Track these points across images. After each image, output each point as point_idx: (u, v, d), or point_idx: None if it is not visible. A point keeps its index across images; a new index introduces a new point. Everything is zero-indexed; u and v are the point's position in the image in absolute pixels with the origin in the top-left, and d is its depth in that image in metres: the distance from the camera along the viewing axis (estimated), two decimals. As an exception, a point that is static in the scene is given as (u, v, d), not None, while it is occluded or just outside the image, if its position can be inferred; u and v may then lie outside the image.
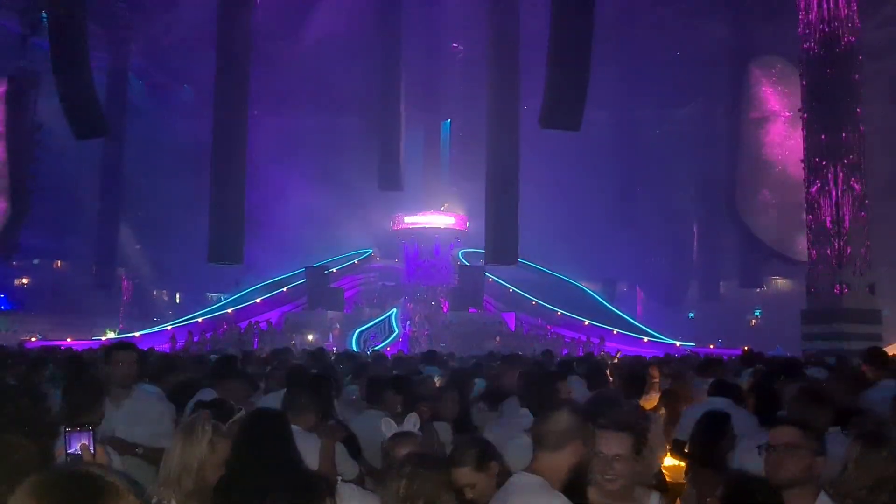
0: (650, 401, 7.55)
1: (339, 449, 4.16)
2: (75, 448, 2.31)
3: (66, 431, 2.33)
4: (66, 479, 1.40)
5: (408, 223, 40.82)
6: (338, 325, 30.68)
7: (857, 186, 20.36)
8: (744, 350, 10.94)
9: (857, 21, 20.86)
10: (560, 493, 2.63)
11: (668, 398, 7.35)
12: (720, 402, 5.58)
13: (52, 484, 1.39)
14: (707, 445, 4.53)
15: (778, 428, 3.13)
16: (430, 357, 11.70)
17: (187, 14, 30.40)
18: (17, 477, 1.93)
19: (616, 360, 10.55)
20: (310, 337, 28.51)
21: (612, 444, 2.98)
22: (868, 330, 19.23)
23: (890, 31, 25.53)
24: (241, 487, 2.98)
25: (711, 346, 28.45)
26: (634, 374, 7.42)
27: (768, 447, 3.06)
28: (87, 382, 4.47)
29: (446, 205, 41.60)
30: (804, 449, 2.96)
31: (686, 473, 5.51)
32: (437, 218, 40.94)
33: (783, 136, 27.47)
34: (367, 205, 37.03)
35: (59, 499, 1.37)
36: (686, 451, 5.67)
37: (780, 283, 39.84)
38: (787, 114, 26.77)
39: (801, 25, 21.27)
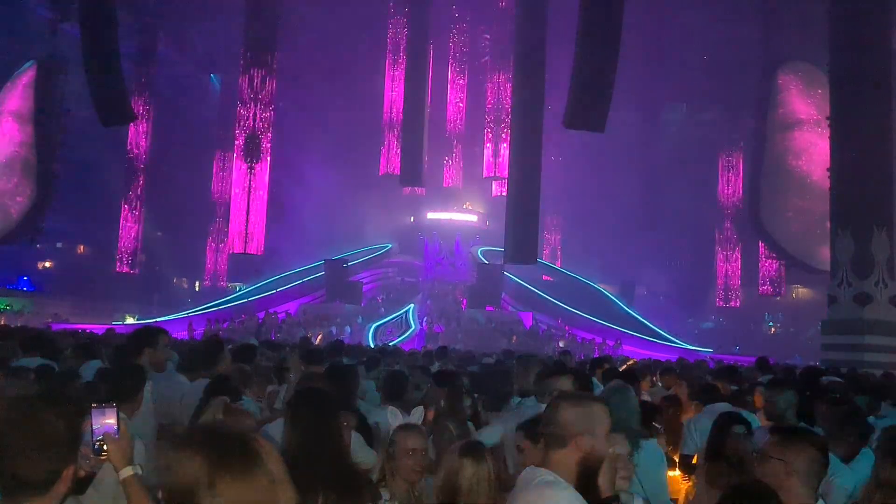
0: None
1: (357, 438, 4.15)
2: (102, 425, 2.34)
3: (91, 407, 2.37)
4: (223, 436, 1.43)
5: (430, 219, 40.91)
6: (359, 319, 30.73)
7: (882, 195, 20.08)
8: (759, 358, 10.78)
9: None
10: (571, 487, 2.60)
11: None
12: (721, 408, 5.50)
13: (210, 440, 1.42)
14: (717, 439, 4.55)
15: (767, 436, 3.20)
16: (441, 354, 12.02)
17: (214, 2, 30.60)
18: (45, 452, 1.95)
19: (626, 367, 10.46)
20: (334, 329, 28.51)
21: None
22: (890, 342, 18.97)
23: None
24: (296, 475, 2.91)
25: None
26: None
27: (756, 452, 3.15)
28: (130, 369, 4.38)
29: (468, 203, 41.64)
30: (773, 458, 2.99)
31: (696, 476, 5.48)
32: (459, 215, 40.97)
33: (809, 144, 27.16)
34: (389, 199, 37.14)
35: (219, 455, 1.41)
36: (696, 462, 5.61)
37: (801, 291, 39.50)
38: (815, 121, 26.48)
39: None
